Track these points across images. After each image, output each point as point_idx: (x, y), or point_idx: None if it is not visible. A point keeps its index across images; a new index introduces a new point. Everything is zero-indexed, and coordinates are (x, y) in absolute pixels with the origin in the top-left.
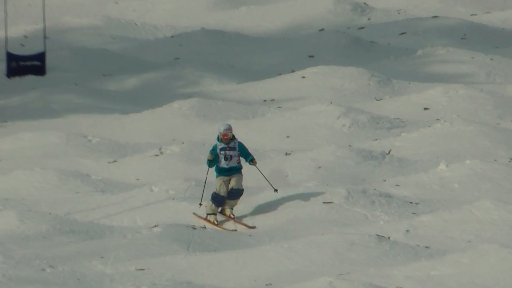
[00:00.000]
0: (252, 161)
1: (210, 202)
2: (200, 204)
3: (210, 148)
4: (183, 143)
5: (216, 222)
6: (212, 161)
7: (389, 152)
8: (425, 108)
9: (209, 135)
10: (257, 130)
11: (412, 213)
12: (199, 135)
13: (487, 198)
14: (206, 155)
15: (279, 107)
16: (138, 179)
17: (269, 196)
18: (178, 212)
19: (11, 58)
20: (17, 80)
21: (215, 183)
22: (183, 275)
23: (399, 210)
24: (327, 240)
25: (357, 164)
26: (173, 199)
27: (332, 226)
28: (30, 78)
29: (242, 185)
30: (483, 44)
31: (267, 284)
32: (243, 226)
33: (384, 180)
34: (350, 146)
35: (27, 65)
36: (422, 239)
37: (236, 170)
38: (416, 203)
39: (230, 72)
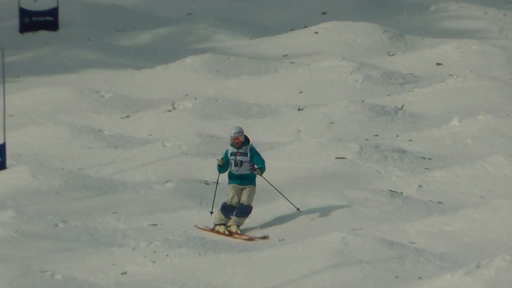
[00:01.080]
0: (256, 169)
1: (219, 212)
2: (211, 212)
3: (223, 153)
4: (195, 98)
5: (227, 233)
6: (222, 167)
7: (401, 108)
8: (438, 64)
9: (222, 91)
10: (270, 85)
11: (425, 168)
12: (211, 90)
13: (499, 153)
14: (218, 111)
15: (292, 62)
16: (151, 135)
17: (282, 151)
18: (191, 168)
19: (24, 13)
20: (29, 35)
21: (227, 190)
22: (196, 231)
23: (412, 166)
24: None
25: (369, 120)
26: (186, 154)
27: (345, 181)
28: (42, 34)
29: (251, 202)
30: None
31: (279, 239)
32: (256, 239)
33: (397, 136)
34: (362, 101)
35: (40, 20)
36: (434, 195)
37: (248, 180)
38: (429, 159)
39: (243, 28)
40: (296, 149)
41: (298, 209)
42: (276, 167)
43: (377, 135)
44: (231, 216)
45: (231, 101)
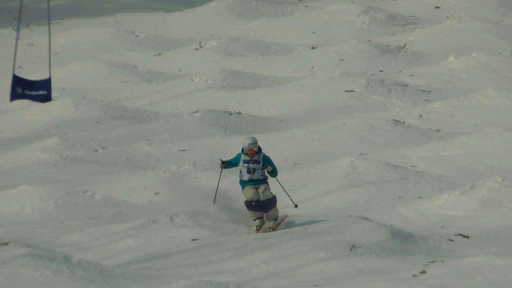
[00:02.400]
0: (270, 172)
1: (249, 212)
2: (215, 201)
3: (235, 155)
4: (220, 38)
5: (271, 224)
6: (226, 165)
7: (404, 46)
8: (436, 7)
9: (243, 31)
10: (286, 27)
11: (425, 100)
12: (234, 31)
13: (491, 86)
14: (240, 49)
15: (306, 6)
16: (180, 70)
17: (297, 85)
18: (216, 99)
19: None
20: None
21: (244, 193)
22: (221, 155)
23: (413, 98)
24: (349, 124)
25: (375, 57)
26: (211, 87)
27: (353, 112)
28: None
29: (270, 194)
30: None
31: (295, 164)
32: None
33: (400, 71)
34: (369, 40)
35: None
36: (433, 123)
37: (262, 181)
38: (428, 92)
39: None
40: (310, 83)
41: (296, 205)
42: (291, 99)
43: (382, 71)
44: (261, 211)
45: (251, 40)
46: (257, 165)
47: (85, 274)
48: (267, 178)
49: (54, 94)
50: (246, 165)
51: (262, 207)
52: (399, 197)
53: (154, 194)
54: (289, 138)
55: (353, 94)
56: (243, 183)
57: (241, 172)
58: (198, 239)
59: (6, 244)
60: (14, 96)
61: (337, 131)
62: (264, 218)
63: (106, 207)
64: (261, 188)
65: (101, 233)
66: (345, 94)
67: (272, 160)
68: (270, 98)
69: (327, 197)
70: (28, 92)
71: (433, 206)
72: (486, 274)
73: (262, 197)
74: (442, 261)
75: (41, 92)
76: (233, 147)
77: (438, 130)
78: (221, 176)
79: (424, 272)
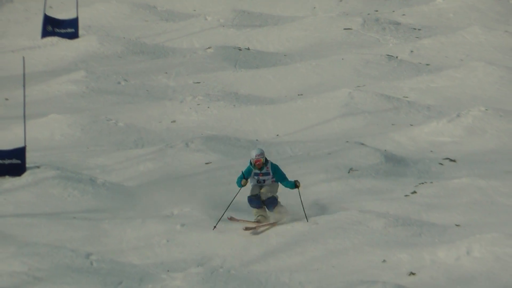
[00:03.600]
0: (296, 186)
1: (252, 210)
2: (215, 227)
3: (245, 168)
4: None
5: (266, 221)
6: (239, 182)
7: None
8: None
9: None
10: None
11: (415, 37)
12: None
13: (476, 25)
14: None
15: None
16: (195, 10)
17: (300, 23)
18: (227, 37)
19: None
20: None
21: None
22: (231, 87)
23: (405, 35)
24: (347, 59)
25: None
26: (223, 26)
27: (351, 48)
28: None
29: (273, 192)
30: None
31: (298, 94)
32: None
33: (393, 11)
34: None
35: None
36: (423, 58)
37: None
38: (419, 29)
39: None
40: (312, 22)
41: (307, 220)
42: (295, 36)
43: (377, 11)
44: (264, 208)
45: None
46: (267, 176)
47: (109, 194)
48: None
49: (80, 31)
50: (256, 177)
51: (267, 205)
52: (392, 124)
53: (171, 122)
54: (293, 72)
55: (350, 31)
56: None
57: (251, 181)
58: (211, 162)
59: (38, 167)
60: (45, 33)
61: (336, 65)
62: (266, 215)
63: (128, 133)
64: (265, 188)
65: (123, 157)
66: (344, 31)
67: (280, 167)
68: (276, 35)
69: (327, 125)
70: (58, 30)
71: (423, 133)
72: (471, 194)
73: (263, 197)
74: (431, 182)
75: (69, 30)
76: (242, 79)
77: (427, 64)
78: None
79: (415, 192)
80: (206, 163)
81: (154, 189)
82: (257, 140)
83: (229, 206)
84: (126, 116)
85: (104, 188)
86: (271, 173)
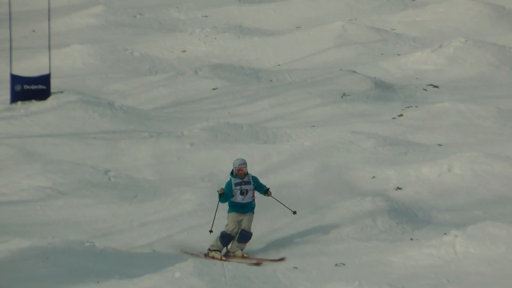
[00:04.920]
0: (266, 192)
1: (217, 240)
2: (211, 231)
3: (225, 184)
4: None
5: (224, 258)
6: (223, 196)
7: None
8: None
9: None
10: None
11: None
12: None
13: None
14: None
15: None
16: None
17: None
18: None
19: None
20: None
21: (227, 219)
22: (236, 20)
23: None
24: None
25: None
26: None
27: None
28: None
29: (251, 228)
30: None
31: (296, 27)
32: (268, 261)
33: None
34: None
35: None
36: None
37: (249, 209)
38: None
39: None
40: None
41: (294, 212)
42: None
43: None
44: (228, 245)
45: None
46: (249, 186)
47: (125, 116)
48: (254, 203)
49: None
50: (238, 187)
51: (239, 237)
52: (381, 54)
53: (182, 52)
54: (292, 6)
55: None
56: (232, 205)
57: (234, 195)
58: (217, 88)
59: (62, 92)
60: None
61: (331, 1)
62: (229, 247)
63: (143, 62)
64: (247, 218)
65: (138, 83)
66: None
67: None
68: None
69: (322, 54)
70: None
71: (409, 62)
72: (452, 117)
73: (246, 228)
74: (416, 106)
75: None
76: (246, 13)
77: (413, 0)
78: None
79: (401, 115)
80: (213, 89)
81: (166, 112)
82: (259, 70)
83: (216, 210)
84: (141, 46)
85: (121, 111)
86: (252, 183)
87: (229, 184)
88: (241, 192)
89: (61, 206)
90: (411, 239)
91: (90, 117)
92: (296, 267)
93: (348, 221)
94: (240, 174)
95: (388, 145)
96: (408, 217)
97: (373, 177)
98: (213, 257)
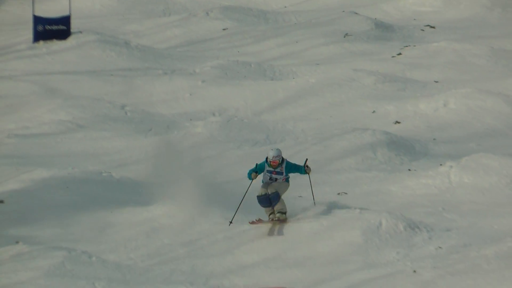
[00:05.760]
0: (306, 169)
1: (264, 209)
2: (231, 223)
3: (259, 162)
4: None
5: (275, 219)
6: (252, 172)
7: None
8: None
9: None
10: None
11: None
12: None
13: None
14: None
15: None
16: None
17: None
18: None
19: None
20: None
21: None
22: None
23: None
24: None
25: None
26: None
27: None
28: None
29: (276, 189)
30: None
31: None
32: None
33: None
34: None
35: None
36: None
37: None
38: None
39: None
40: None
41: (314, 203)
42: None
43: None
44: (272, 207)
45: None
46: (280, 176)
47: (141, 55)
48: (287, 179)
49: None
50: (269, 174)
51: (272, 201)
52: None
53: None
54: None
55: None
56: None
57: (263, 176)
58: (227, 28)
59: (81, 32)
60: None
61: None
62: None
63: (157, 3)
64: (272, 186)
65: (153, 24)
66: None
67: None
68: None
69: None
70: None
71: (407, 3)
72: (447, 55)
73: (269, 191)
74: (414, 45)
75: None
76: None
77: None
78: (246, 193)
79: (400, 54)
80: (223, 29)
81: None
82: (267, 11)
83: (242, 201)
84: None
85: (137, 50)
86: (284, 173)
87: (262, 164)
88: (270, 178)
89: (80, 139)
90: (409, 169)
91: (107, 55)
92: (301, 196)
93: (349, 153)
94: (273, 165)
95: (388, 82)
96: (406, 149)
97: (373, 111)
98: (273, 219)
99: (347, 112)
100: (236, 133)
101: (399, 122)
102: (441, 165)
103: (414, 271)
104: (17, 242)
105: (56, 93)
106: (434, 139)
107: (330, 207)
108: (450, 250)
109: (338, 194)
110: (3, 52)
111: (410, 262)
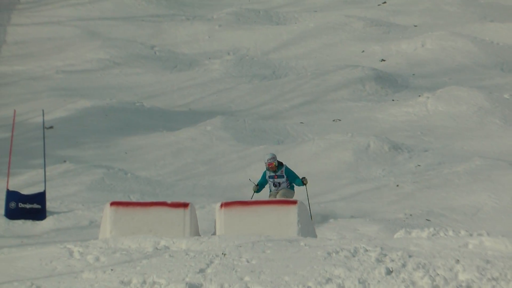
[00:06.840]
0: (303, 180)
1: None
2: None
3: (261, 176)
4: None
5: None
6: (257, 190)
7: None
8: None
9: None
10: None
11: None
12: None
13: None
14: None
15: None
16: None
17: None
18: None
19: None
20: None
21: None
22: None
23: None
24: None
25: None
26: None
27: None
28: None
29: (283, 196)
30: None
31: None
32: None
33: None
34: None
35: None
36: None
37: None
38: None
39: None
40: None
41: (311, 218)
42: None
43: None
44: None
45: None
46: (282, 179)
47: (167, 3)
48: (291, 187)
49: None
50: (272, 180)
51: None
52: None
53: None
54: None
55: None
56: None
57: (269, 187)
58: None
59: None
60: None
61: None
62: None
63: None
64: (280, 192)
65: None
66: None
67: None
68: None
69: None
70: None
71: None
72: (425, 3)
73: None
74: None
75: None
76: None
77: None
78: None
79: (385, 2)
80: None
81: None
82: None
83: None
84: None
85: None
86: (285, 176)
87: (264, 174)
88: (274, 184)
89: (117, 74)
90: (393, 100)
91: (139, 3)
92: (302, 122)
93: (342, 86)
94: (271, 168)
95: (374, 26)
96: (390, 82)
97: (363, 51)
98: None
99: (341, 51)
100: (247, 69)
101: (384, 60)
102: (419, 96)
103: (397, 185)
104: (64, 161)
105: (95, 35)
106: (413, 74)
107: (327, 131)
108: (427, 168)
109: (333, 120)
110: (51, 1)
111: (393, 177)
